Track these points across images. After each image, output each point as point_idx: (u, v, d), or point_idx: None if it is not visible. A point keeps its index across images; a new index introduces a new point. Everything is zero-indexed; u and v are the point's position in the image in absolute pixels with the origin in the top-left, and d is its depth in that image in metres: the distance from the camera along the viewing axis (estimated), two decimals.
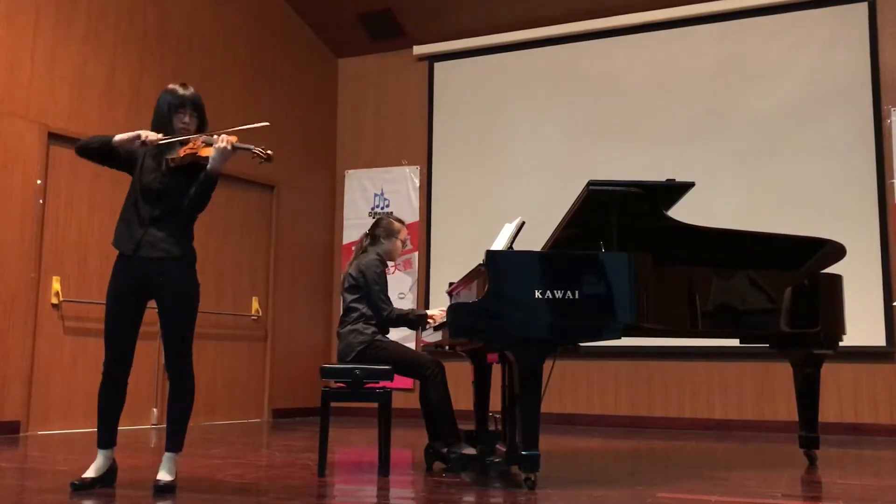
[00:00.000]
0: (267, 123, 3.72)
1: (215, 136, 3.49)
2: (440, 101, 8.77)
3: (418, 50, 8.84)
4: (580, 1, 8.03)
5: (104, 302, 3.56)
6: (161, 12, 7.34)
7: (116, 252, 3.56)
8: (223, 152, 3.44)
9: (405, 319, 4.45)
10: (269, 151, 3.50)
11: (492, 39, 8.52)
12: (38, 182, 6.22)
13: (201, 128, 3.63)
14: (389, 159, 8.88)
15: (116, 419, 3.58)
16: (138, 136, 3.47)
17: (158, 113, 3.60)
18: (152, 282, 3.47)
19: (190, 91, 3.61)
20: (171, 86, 3.63)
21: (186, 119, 3.58)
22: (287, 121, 8.57)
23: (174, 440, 3.52)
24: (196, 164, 3.49)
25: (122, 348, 3.50)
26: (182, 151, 3.49)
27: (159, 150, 3.53)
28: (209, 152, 3.48)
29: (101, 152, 3.56)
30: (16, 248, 6.05)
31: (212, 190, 3.53)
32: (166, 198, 3.50)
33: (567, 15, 8.14)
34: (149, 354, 6.70)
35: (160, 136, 3.51)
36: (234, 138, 3.47)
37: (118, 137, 3.52)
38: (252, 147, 3.50)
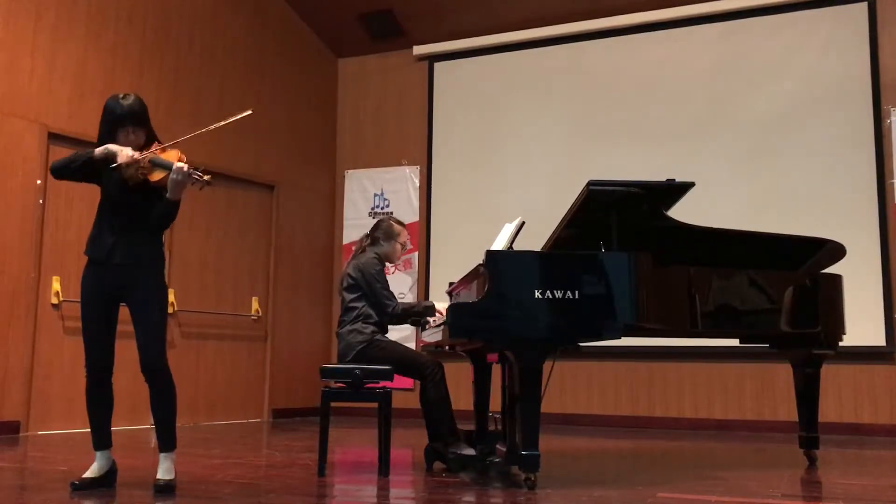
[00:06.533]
0: (249, 112, 3.65)
1: (176, 165, 3.38)
2: (440, 101, 8.76)
3: (418, 50, 8.84)
4: (580, 1, 8.02)
5: None
6: (161, 12, 7.34)
7: None
8: (180, 183, 3.39)
9: (411, 312, 4.41)
10: (206, 177, 3.40)
11: (492, 39, 8.51)
12: (38, 182, 6.22)
13: (149, 137, 3.57)
14: (389, 159, 8.88)
15: (107, 420, 3.61)
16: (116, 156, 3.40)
17: (101, 126, 3.54)
18: (123, 288, 3.50)
19: (129, 102, 3.51)
20: (114, 96, 3.54)
21: (132, 136, 3.51)
22: (287, 121, 8.57)
23: (165, 440, 3.56)
24: (148, 183, 3.45)
25: (100, 351, 3.54)
26: (133, 173, 3.42)
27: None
28: (159, 176, 3.42)
29: (83, 171, 3.49)
30: (16, 248, 6.05)
31: (176, 211, 3.53)
32: (127, 209, 3.51)
33: (567, 15, 8.14)
34: None
35: (132, 153, 3.40)
36: (183, 164, 3.38)
37: (97, 151, 3.44)
38: (193, 172, 3.39)
